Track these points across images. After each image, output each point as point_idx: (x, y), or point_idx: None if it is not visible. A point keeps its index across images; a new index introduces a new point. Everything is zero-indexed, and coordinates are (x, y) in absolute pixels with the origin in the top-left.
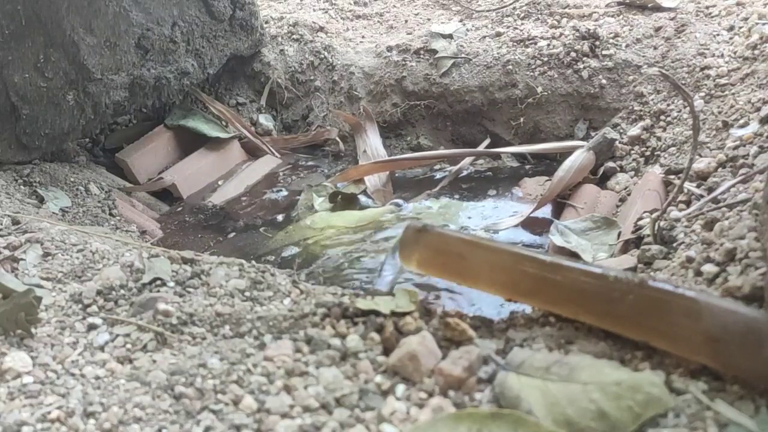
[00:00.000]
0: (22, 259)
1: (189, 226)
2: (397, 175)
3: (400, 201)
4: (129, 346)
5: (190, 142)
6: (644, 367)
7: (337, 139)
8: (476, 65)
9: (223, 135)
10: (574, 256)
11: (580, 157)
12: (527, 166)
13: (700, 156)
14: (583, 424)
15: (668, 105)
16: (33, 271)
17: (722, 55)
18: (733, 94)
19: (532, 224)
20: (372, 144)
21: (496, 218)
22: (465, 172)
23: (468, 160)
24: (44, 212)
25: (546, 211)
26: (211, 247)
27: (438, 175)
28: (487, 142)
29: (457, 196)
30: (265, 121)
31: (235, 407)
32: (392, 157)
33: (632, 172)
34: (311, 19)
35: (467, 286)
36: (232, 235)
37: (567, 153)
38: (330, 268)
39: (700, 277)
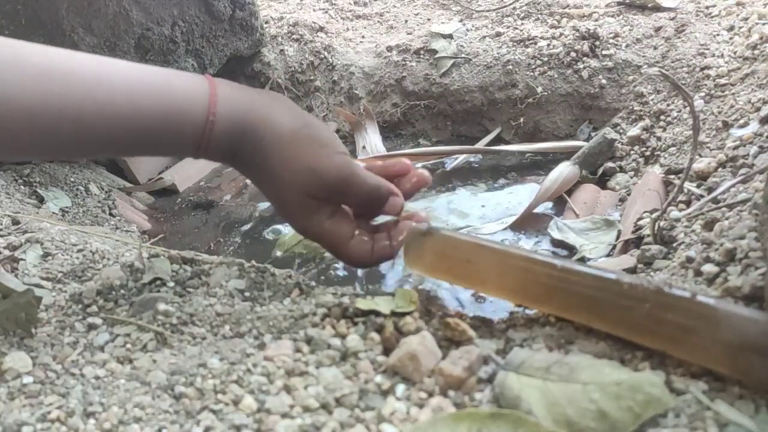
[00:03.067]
0: (22, 259)
1: (180, 210)
2: None
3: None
4: (129, 346)
5: None
6: (644, 367)
7: (334, 134)
8: (476, 65)
9: None
10: (571, 249)
11: (566, 170)
12: (527, 155)
13: (700, 156)
14: (583, 424)
15: (668, 105)
16: (33, 271)
17: (722, 55)
18: (733, 94)
19: (531, 220)
20: (371, 141)
21: (494, 212)
22: (472, 159)
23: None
24: (44, 212)
25: (546, 206)
26: (203, 225)
27: (437, 169)
28: (498, 131)
29: (453, 187)
30: None
31: (235, 407)
32: (391, 153)
33: (632, 172)
34: (311, 19)
35: (475, 290)
36: (222, 201)
37: (566, 153)
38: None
39: (700, 277)
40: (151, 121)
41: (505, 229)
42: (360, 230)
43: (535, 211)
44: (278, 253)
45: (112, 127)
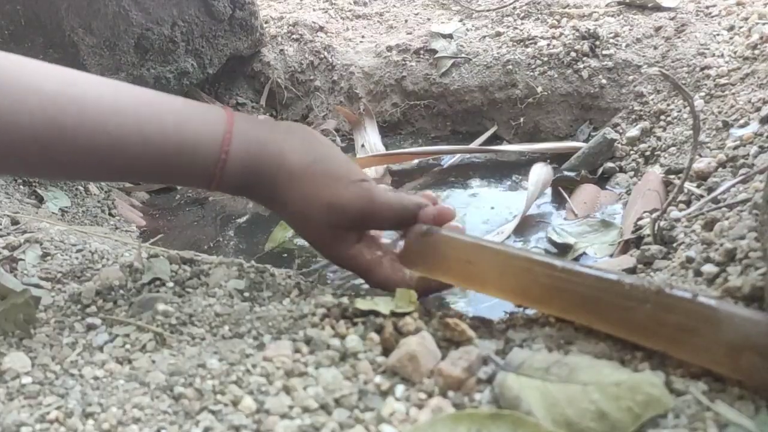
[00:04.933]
0: (21, 259)
1: (177, 207)
2: (393, 168)
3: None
4: (128, 346)
5: None
6: (644, 368)
7: (333, 131)
8: (476, 65)
9: None
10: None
11: (542, 170)
12: (527, 154)
13: (700, 156)
14: (583, 424)
15: (668, 105)
16: (32, 271)
17: (722, 55)
18: (733, 93)
19: (527, 222)
20: (370, 140)
21: (496, 212)
22: (468, 157)
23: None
24: (43, 212)
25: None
26: (201, 219)
27: (436, 168)
28: (494, 129)
29: (452, 185)
30: None
31: (234, 408)
32: (390, 152)
33: (632, 172)
34: (311, 19)
35: (475, 291)
36: (211, 198)
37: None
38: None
39: (700, 278)
40: (163, 156)
41: (507, 237)
42: (392, 255)
43: (532, 212)
44: (267, 248)
45: (124, 158)
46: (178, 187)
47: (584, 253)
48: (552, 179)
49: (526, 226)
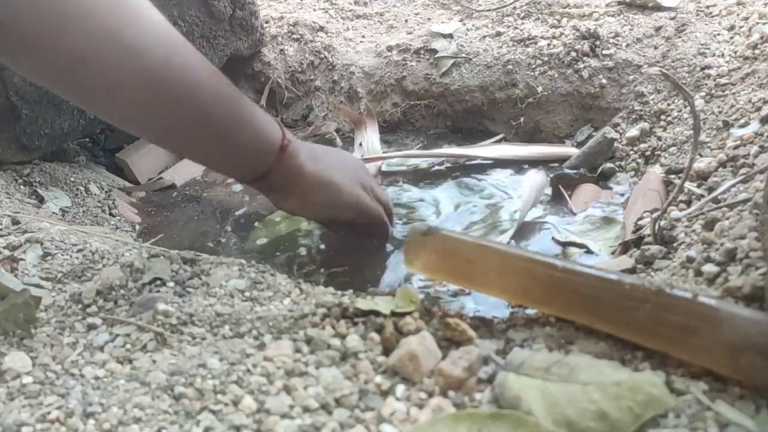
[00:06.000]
0: (21, 259)
1: (174, 203)
2: (388, 169)
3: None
4: (129, 346)
5: None
6: (644, 368)
7: (334, 132)
8: (476, 65)
9: None
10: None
11: (536, 178)
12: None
13: (701, 156)
14: (583, 424)
15: (669, 105)
16: (33, 271)
17: (723, 55)
18: (734, 93)
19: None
20: (369, 140)
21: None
22: (463, 159)
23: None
24: (44, 212)
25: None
26: (200, 213)
27: (433, 167)
28: (501, 136)
29: (451, 185)
30: None
31: (234, 408)
32: (385, 154)
33: (632, 172)
34: (311, 18)
35: (476, 290)
36: (205, 194)
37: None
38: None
39: (701, 277)
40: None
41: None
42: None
43: (532, 215)
44: (258, 243)
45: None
46: (177, 185)
47: (588, 250)
48: (546, 186)
49: (527, 230)
